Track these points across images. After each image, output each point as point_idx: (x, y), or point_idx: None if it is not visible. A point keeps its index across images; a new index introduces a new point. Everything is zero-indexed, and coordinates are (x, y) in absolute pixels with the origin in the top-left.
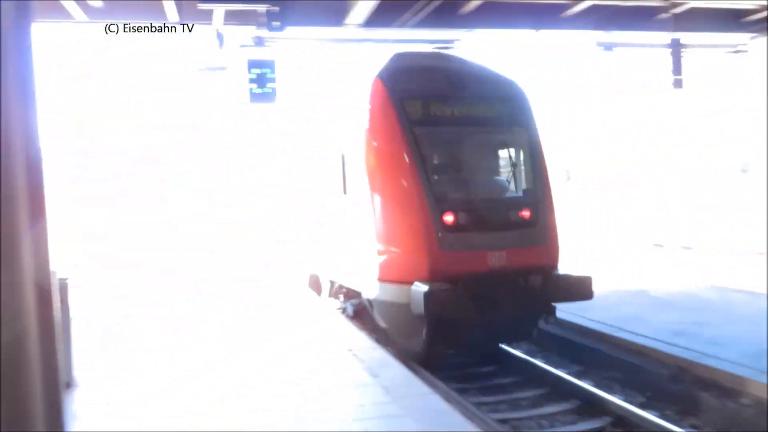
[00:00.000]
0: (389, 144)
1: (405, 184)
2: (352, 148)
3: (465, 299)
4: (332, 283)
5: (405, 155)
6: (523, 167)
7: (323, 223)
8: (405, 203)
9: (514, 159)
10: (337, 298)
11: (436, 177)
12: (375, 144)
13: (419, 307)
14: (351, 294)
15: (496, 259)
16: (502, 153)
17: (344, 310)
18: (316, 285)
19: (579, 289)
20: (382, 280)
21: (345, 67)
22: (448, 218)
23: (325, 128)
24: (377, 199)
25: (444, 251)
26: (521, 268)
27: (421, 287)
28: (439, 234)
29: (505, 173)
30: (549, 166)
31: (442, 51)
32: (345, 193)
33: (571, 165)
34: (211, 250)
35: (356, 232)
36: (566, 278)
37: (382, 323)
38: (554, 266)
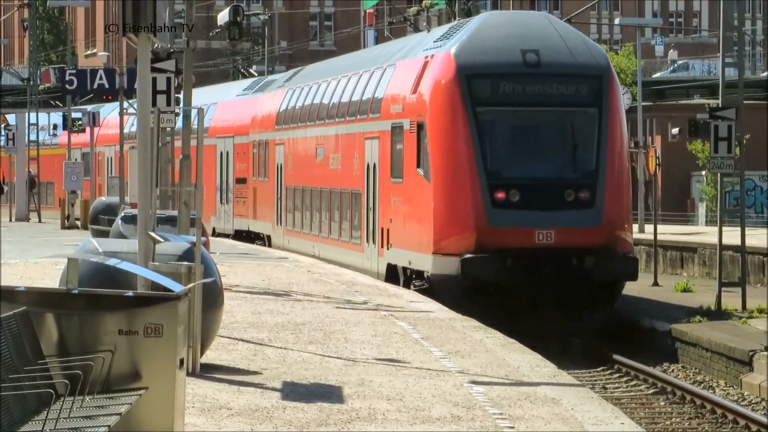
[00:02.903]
0: (451, 124)
1: (460, 162)
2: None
3: (504, 268)
4: (403, 269)
5: (464, 136)
6: (587, 149)
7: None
8: (458, 181)
9: (576, 141)
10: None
11: (492, 156)
12: (437, 123)
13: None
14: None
15: (544, 237)
16: (567, 134)
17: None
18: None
19: (622, 269)
20: (435, 253)
21: None
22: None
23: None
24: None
25: (492, 227)
26: (571, 248)
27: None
28: (488, 210)
29: (567, 155)
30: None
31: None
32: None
33: None
34: None
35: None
36: (615, 258)
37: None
38: (610, 248)
